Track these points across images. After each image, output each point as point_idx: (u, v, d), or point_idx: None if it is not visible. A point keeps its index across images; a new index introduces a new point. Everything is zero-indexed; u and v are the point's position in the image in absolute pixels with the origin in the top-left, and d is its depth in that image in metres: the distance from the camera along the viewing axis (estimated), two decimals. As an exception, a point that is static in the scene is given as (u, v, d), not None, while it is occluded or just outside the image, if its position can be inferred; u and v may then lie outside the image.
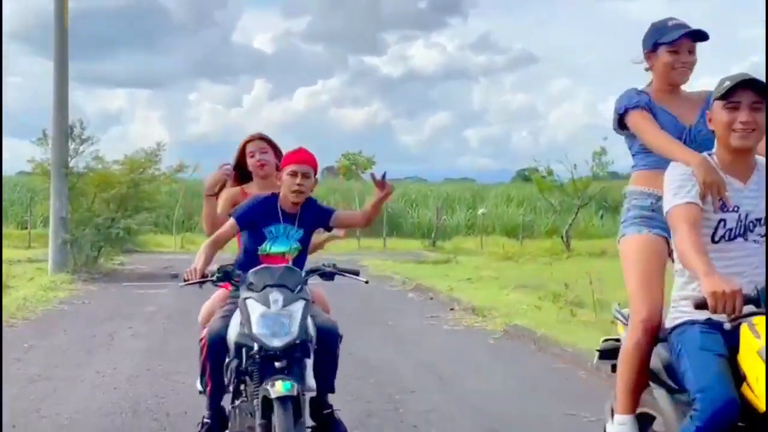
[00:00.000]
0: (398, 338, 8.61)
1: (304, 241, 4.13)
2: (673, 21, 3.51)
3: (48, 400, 5.77)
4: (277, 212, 4.06)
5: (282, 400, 3.38)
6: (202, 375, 3.95)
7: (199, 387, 4.16)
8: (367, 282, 4.02)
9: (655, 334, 3.18)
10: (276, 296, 3.58)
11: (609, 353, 3.49)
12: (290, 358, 3.55)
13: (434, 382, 6.46)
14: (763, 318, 2.68)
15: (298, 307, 3.60)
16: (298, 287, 3.68)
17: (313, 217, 4.14)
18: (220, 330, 3.80)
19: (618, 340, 3.49)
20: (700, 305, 2.75)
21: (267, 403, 3.45)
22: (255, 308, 3.56)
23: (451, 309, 10.53)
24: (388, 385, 6.24)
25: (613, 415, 3.37)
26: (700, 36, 3.49)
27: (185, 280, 3.74)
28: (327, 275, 3.91)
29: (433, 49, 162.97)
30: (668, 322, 3.13)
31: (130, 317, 10.00)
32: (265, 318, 3.53)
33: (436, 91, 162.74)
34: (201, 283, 3.75)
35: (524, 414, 5.48)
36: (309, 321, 3.71)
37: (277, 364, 3.49)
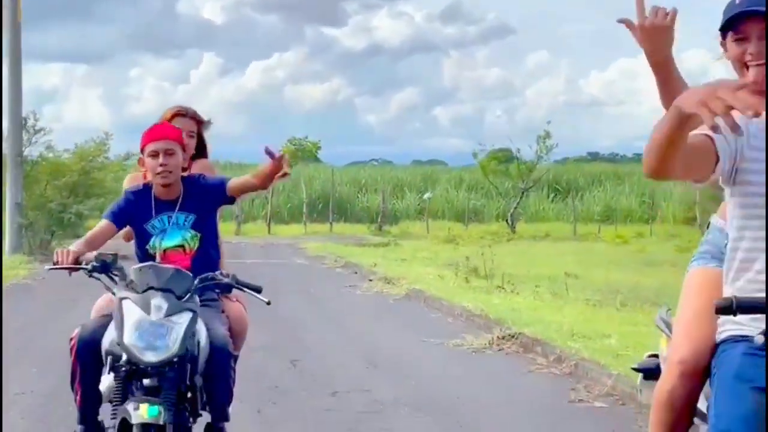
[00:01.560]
0: (314, 301, 11.56)
1: (203, 228, 3.90)
2: None
3: (41, 340, 8.54)
4: (151, 202, 3.87)
5: (144, 428, 3.17)
6: (72, 382, 3.64)
7: (73, 394, 3.79)
8: (269, 303, 3.64)
9: (696, 380, 2.76)
10: (159, 302, 3.31)
11: (652, 372, 3.14)
12: (162, 377, 3.30)
13: (333, 328, 9.38)
14: None
15: (184, 319, 3.34)
16: (187, 295, 3.43)
17: (204, 195, 3.90)
18: (95, 332, 3.53)
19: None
20: (721, 307, 2.44)
21: (125, 427, 3.23)
22: (132, 312, 3.30)
23: (370, 280, 13.50)
24: (297, 331, 9.07)
25: None
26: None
27: (54, 263, 3.54)
28: (223, 287, 3.69)
29: (399, 19, 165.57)
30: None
31: (86, 288, 12.79)
32: (141, 326, 3.26)
33: (402, 66, 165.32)
34: (72, 269, 3.54)
35: (393, 344, 8.35)
36: (203, 334, 3.51)
37: (146, 381, 3.29)
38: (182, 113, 4.35)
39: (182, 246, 3.87)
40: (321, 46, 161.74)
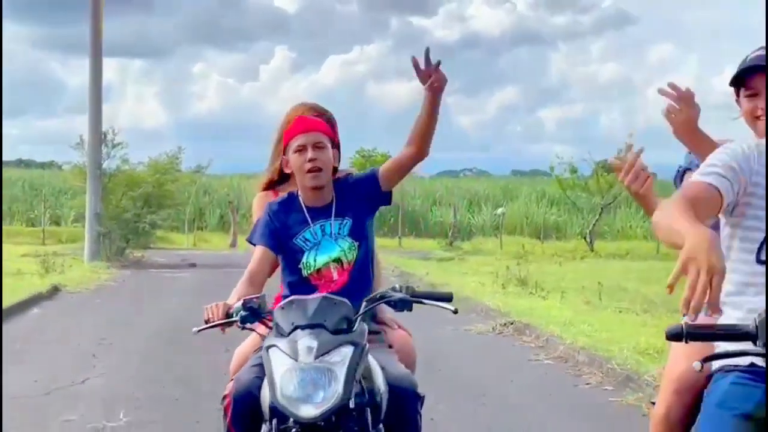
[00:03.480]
0: None
1: (359, 234, 3.81)
2: (756, 51, 3.10)
3: (125, 327, 12.30)
4: (301, 211, 3.79)
5: None
6: None
7: None
8: (455, 311, 3.50)
9: (690, 399, 3.04)
10: (307, 341, 3.12)
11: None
12: (344, 431, 3.17)
13: None
14: None
15: (343, 355, 3.12)
16: (345, 325, 3.23)
17: (358, 194, 3.83)
18: (250, 385, 3.41)
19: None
20: (671, 335, 2.57)
21: None
22: (279, 361, 3.14)
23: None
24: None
25: None
26: None
27: (206, 321, 3.44)
28: (399, 304, 3.39)
29: (499, 7, 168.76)
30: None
31: (162, 290, 16.72)
32: (292, 374, 3.08)
33: (502, 61, 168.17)
34: (224, 325, 3.43)
35: (420, 330, 11.80)
36: (378, 373, 3.38)
37: None
38: (298, 113, 4.15)
39: (339, 260, 3.75)
40: (408, 38, 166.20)
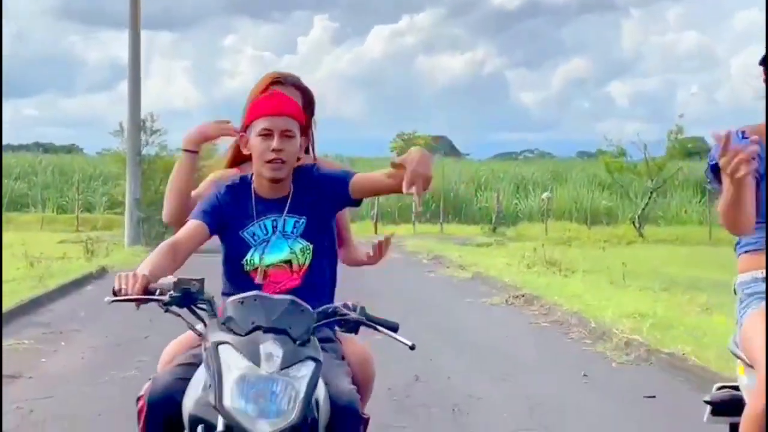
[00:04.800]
0: (393, 281, 17.60)
1: (316, 237, 3.73)
2: None
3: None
4: (250, 200, 3.72)
5: None
6: None
7: None
8: (413, 347, 3.30)
9: None
10: (271, 348, 3.01)
11: (725, 406, 3.65)
12: None
13: (404, 301, 15.18)
14: None
15: (305, 372, 3.04)
16: (306, 336, 3.13)
17: (321, 191, 3.71)
18: (170, 387, 3.30)
19: (736, 387, 3.70)
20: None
21: None
22: (234, 363, 2.99)
23: (447, 267, 19.70)
24: (374, 298, 15.19)
25: None
26: None
27: (115, 293, 3.19)
28: (350, 326, 3.37)
29: None
30: None
31: (199, 272, 19.44)
32: (248, 383, 2.95)
33: (568, 30, 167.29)
34: (140, 301, 3.22)
35: (438, 301, 14.37)
36: (321, 390, 3.26)
37: None
38: (280, 80, 4.12)
39: (289, 261, 3.69)
40: (463, 5, 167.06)
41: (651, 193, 35.31)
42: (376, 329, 3.36)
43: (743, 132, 3.35)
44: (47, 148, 64.25)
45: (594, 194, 41.51)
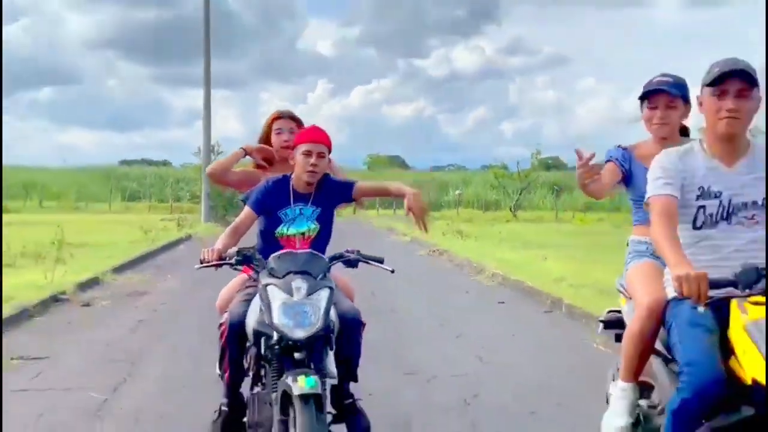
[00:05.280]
0: (363, 243, 18.27)
1: (323, 220, 3.63)
2: (658, 77, 3.31)
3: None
4: (289, 194, 3.59)
5: (304, 397, 2.87)
6: (221, 360, 3.41)
7: (218, 371, 3.53)
8: (392, 271, 3.46)
9: (658, 319, 2.95)
10: (299, 284, 3.06)
11: (612, 324, 3.43)
12: (311, 349, 3.07)
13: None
14: (758, 297, 2.52)
15: (323, 295, 3.08)
16: (322, 274, 3.17)
17: (331, 193, 3.66)
18: (241, 315, 3.28)
19: (620, 311, 3.42)
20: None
21: (286, 397, 2.97)
22: (276, 296, 3.05)
23: (396, 235, 20.49)
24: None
25: (614, 380, 3.26)
26: (678, 88, 3.28)
27: (201, 262, 3.28)
28: (351, 263, 3.40)
29: (473, 52, 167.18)
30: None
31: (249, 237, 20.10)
32: (287, 307, 3.02)
33: (476, 89, 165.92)
34: (218, 265, 3.28)
35: (392, 253, 15.27)
36: (332, 309, 3.21)
37: (297, 355, 3.03)
38: (280, 116, 4.11)
39: (305, 233, 3.58)
40: (410, 74, 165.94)
41: (521, 191, 35.96)
42: (368, 262, 3.41)
43: (623, 148, 3.39)
44: (149, 163, 64.15)
45: (488, 192, 41.83)
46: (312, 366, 3.05)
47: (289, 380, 2.91)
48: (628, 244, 3.44)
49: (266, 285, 3.10)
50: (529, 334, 7.28)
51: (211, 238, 20.00)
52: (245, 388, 3.46)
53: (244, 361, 3.32)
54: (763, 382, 2.36)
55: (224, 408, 3.45)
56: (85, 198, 38.58)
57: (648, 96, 3.29)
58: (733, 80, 2.74)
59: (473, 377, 5.51)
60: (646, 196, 2.89)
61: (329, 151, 3.62)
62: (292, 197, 3.59)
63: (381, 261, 3.45)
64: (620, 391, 3.10)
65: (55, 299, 8.65)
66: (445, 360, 6.07)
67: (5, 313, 7.24)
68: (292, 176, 3.60)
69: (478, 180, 45.43)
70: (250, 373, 3.35)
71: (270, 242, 3.55)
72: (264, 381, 3.33)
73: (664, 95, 3.26)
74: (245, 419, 3.33)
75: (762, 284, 2.51)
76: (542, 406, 4.79)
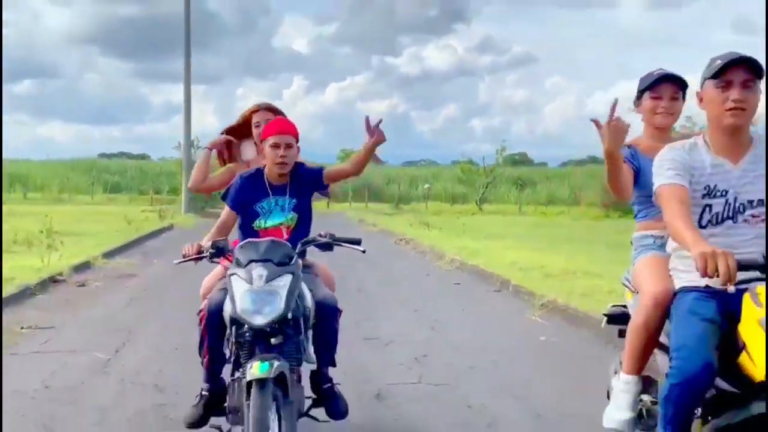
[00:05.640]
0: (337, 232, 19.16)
1: (301, 209, 3.61)
2: (659, 71, 3.22)
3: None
4: (265, 187, 3.57)
5: (260, 382, 2.82)
6: (201, 347, 3.36)
7: (199, 357, 3.46)
8: (364, 251, 3.44)
9: (664, 311, 2.81)
10: (259, 271, 3.02)
11: (616, 318, 3.29)
12: (285, 334, 3.05)
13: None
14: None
15: (284, 281, 3.03)
16: (286, 260, 3.11)
17: (305, 182, 3.62)
18: (219, 303, 3.22)
19: (625, 306, 3.29)
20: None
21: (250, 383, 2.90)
22: (238, 285, 3.04)
23: (367, 225, 21.13)
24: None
25: (617, 374, 3.13)
26: (680, 81, 3.19)
27: (183, 256, 3.31)
28: (323, 246, 3.33)
29: (445, 50, 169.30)
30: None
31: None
32: (247, 294, 2.99)
33: (447, 87, 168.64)
34: (196, 259, 3.31)
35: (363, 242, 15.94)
36: (307, 295, 3.23)
37: (273, 340, 3.02)
38: (258, 109, 4.05)
39: (283, 223, 3.56)
40: (384, 72, 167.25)
41: (486, 185, 36.37)
42: (340, 245, 3.38)
43: (627, 146, 3.18)
44: (129, 156, 63.87)
45: (455, 186, 42.18)
46: (284, 351, 3.04)
47: (247, 367, 2.91)
48: (632, 242, 3.29)
49: (231, 275, 3.10)
50: (476, 309, 8.03)
51: (191, 228, 20.15)
52: (227, 374, 3.39)
53: (225, 347, 3.26)
54: None
55: (205, 392, 3.43)
56: (67, 190, 38.55)
57: (652, 86, 3.17)
58: (737, 71, 2.58)
59: (424, 342, 6.26)
60: (655, 185, 2.72)
61: (296, 140, 3.58)
62: (269, 189, 3.58)
63: (357, 242, 3.42)
64: (623, 384, 2.96)
65: (53, 280, 9.23)
66: (402, 329, 6.80)
67: (9, 291, 7.83)
68: (265, 169, 3.59)
69: (447, 175, 45.85)
70: (231, 359, 3.26)
71: (250, 236, 3.49)
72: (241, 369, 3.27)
73: (670, 85, 3.16)
74: (225, 404, 3.27)
75: None
76: (480, 362, 5.55)
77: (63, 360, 5.54)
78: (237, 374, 3.16)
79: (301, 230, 3.61)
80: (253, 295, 2.99)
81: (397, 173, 47.57)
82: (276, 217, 3.59)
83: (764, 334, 2.25)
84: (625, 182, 3.06)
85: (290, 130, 3.55)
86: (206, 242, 3.38)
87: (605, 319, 3.35)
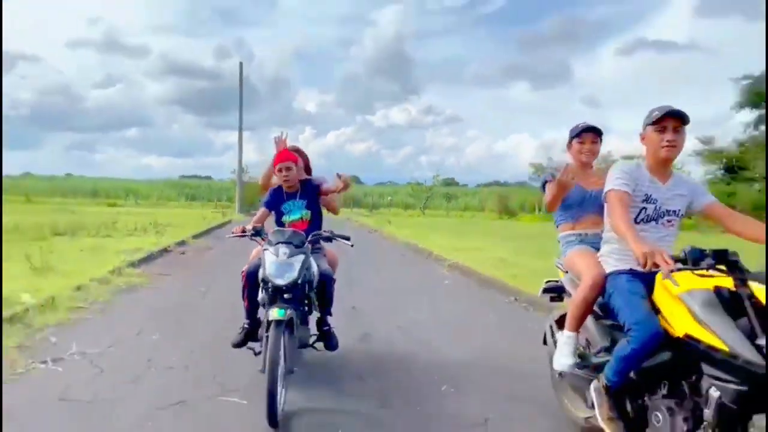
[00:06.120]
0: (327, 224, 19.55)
1: (312, 207, 3.49)
2: (582, 123, 2.88)
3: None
4: (283, 196, 3.50)
5: (276, 322, 2.74)
6: (243, 295, 3.25)
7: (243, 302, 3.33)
8: (352, 245, 3.25)
9: (599, 290, 2.52)
10: (284, 250, 2.96)
11: (549, 290, 2.96)
12: (294, 292, 2.94)
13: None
14: (683, 273, 2.06)
15: (299, 258, 2.96)
16: (300, 244, 3.02)
17: (310, 190, 3.51)
18: (254, 267, 3.15)
19: (557, 281, 2.94)
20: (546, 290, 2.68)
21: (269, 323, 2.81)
22: (269, 257, 2.97)
23: (352, 223, 21.61)
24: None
25: (553, 332, 2.88)
26: (597, 130, 2.86)
27: (233, 233, 3.22)
28: (325, 239, 3.22)
29: (404, 111, 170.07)
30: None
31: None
32: (274, 264, 2.92)
33: (406, 135, 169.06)
34: (241, 236, 3.20)
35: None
36: (314, 268, 3.16)
37: (285, 296, 2.92)
38: (288, 148, 3.73)
39: (301, 218, 3.46)
40: (364, 125, 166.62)
41: (426, 199, 36.20)
42: (336, 239, 3.24)
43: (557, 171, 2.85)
44: (199, 177, 62.25)
45: (407, 198, 40.95)
46: (292, 303, 2.92)
47: (267, 311, 2.85)
48: (559, 240, 2.95)
49: (264, 250, 3.03)
50: (412, 269, 8.65)
51: (242, 222, 20.44)
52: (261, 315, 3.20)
53: (258, 297, 3.15)
54: (697, 336, 1.99)
55: (245, 326, 3.32)
56: (162, 199, 38.54)
57: (579, 134, 2.88)
58: (670, 120, 2.37)
59: (381, 285, 6.89)
60: (606, 188, 2.43)
61: (296, 163, 3.45)
62: (285, 196, 3.51)
63: (347, 238, 3.27)
64: (566, 338, 2.67)
65: (165, 250, 9.74)
66: (367, 277, 7.21)
67: (141, 255, 8.31)
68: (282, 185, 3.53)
69: (403, 192, 44.82)
70: (264, 304, 3.12)
71: (281, 227, 3.45)
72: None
73: (592, 133, 2.88)
74: (258, 334, 3.21)
75: (705, 262, 1.99)
76: (411, 293, 6.18)
77: (180, 290, 6.28)
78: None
79: (315, 224, 3.50)
80: (277, 264, 2.93)
81: (371, 190, 47.30)
82: (295, 214, 3.49)
83: (684, 305, 2.05)
84: (554, 202, 2.84)
85: (289, 157, 3.44)
86: (248, 226, 3.28)
87: (541, 289, 2.99)
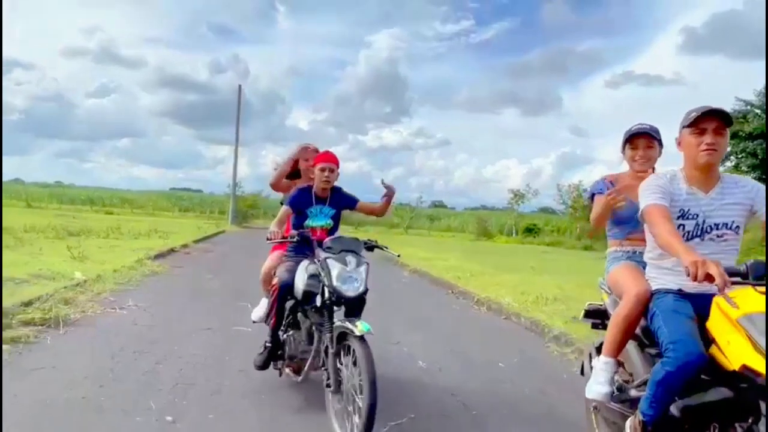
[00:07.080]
0: None
1: (335, 217, 3.36)
2: (637, 125, 2.58)
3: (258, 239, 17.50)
4: (312, 198, 3.28)
5: (362, 338, 2.58)
6: (269, 311, 3.11)
7: (253, 318, 3.35)
8: (399, 255, 3.28)
9: (643, 307, 2.28)
10: (351, 259, 2.82)
11: (591, 314, 2.70)
12: (357, 303, 2.79)
13: None
14: (744, 289, 1.84)
15: (365, 268, 2.83)
16: (362, 253, 2.92)
17: (341, 200, 3.35)
18: (288, 279, 3.02)
19: (601, 305, 2.69)
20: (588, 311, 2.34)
21: (342, 336, 2.68)
22: (334, 266, 2.77)
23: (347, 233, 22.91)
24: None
25: (591, 358, 2.58)
26: (648, 133, 2.54)
27: (269, 239, 3.01)
28: (370, 248, 3.11)
29: (395, 133, 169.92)
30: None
31: (260, 233, 21.99)
32: (342, 274, 2.76)
33: (396, 157, 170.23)
34: (282, 241, 3.04)
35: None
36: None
37: (335, 308, 2.78)
38: (306, 147, 3.69)
39: (323, 226, 3.28)
40: (356, 145, 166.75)
41: (410, 218, 37.20)
42: (380, 248, 3.14)
43: (611, 180, 2.63)
44: (189, 190, 62.81)
45: (394, 219, 39.70)
46: (357, 316, 2.79)
47: (347, 324, 2.63)
48: (606, 256, 2.73)
49: (326, 258, 2.82)
50: (384, 272, 9.54)
51: (234, 232, 20.65)
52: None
53: (287, 304, 3.06)
54: (757, 368, 1.71)
55: (268, 344, 3.19)
56: (157, 209, 39.62)
57: (631, 139, 2.58)
58: (710, 121, 2.15)
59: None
60: (642, 206, 2.22)
61: (337, 167, 3.30)
62: (314, 199, 3.30)
63: (386, 248, 3.18)
64: (603, 364, 2.41)
65: (172, 250, 10.70)
66: None
67: (154, 254, 9.48)
68: (314, 186, 3.32)
69: (395, 213, 46.72)
70: (285, 322, 3.10)
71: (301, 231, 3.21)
72: (298, 327, 3.10)
73: (645, 137, 2.57)
74: (280, 352, 3.15)
75: None
76: (379, 290, 7.72)
77: (192, 276, 7.84)
78: (291, 332, 3.06)
79: (333, 232, 3.37)
80: (346, 275, 2.79)
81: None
82: (319, 220, 3.33)
83: (743, 330, 1.78)
84: (600, 222, 2.60)
85: (334, 160, 3.31)
86: (272, 227, 3.12)
87: (582, 313, 2.74)
